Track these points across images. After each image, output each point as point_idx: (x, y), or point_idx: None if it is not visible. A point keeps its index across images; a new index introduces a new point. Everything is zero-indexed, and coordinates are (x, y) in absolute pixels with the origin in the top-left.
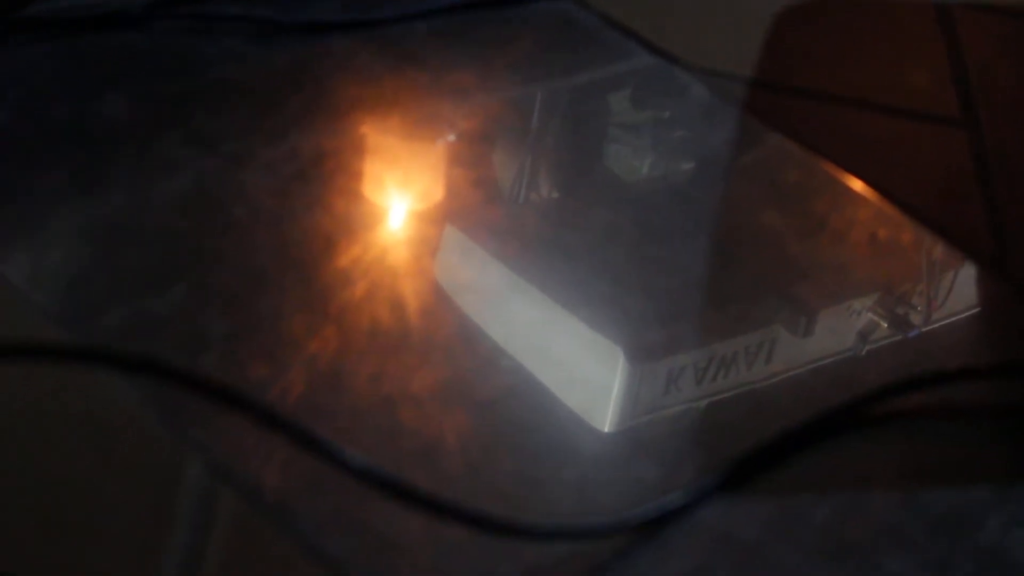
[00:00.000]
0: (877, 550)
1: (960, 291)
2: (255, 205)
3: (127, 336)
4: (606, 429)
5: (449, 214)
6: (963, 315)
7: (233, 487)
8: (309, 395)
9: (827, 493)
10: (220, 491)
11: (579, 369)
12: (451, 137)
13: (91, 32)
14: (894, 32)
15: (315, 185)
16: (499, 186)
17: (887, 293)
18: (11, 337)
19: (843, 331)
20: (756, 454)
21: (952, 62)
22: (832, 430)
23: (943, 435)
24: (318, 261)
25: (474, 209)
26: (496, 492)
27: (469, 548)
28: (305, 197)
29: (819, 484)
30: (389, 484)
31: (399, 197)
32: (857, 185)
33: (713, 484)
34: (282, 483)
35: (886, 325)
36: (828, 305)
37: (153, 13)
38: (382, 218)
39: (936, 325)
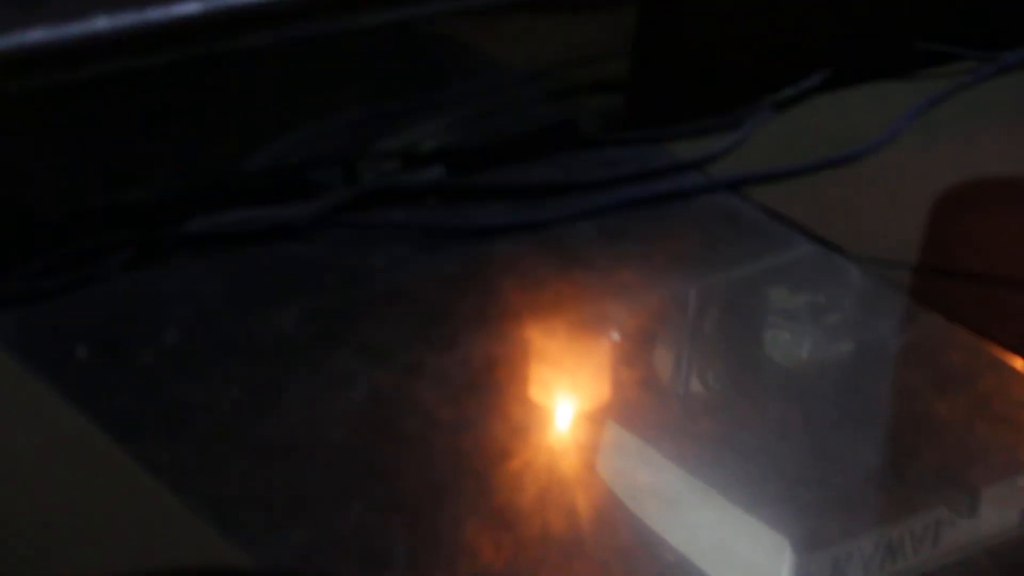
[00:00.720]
0: None
1: None
2: (429, 416)
3: (309, 556)
4: None
5: (618, 415)
6: None
7: None
8: None
9: None
10: None
11: (752, 566)
12: (616, 336)
13: (255, 246)
14: None
15: (487, 392)
16: (666, 384)
17: None
18: (194, 562)
19: (1009, 510)
20: None
21: None
22: None
23: None
24: (493, 469)
25: (642, 409)
26: None
27: None
28: (478, 405)
29: None
30: None
31: (569, 401)
32: (1021, 365)
33: None
34: None
35: None
36: (992, 484)
37: (317, 224)
38: (553, 423)
39: None
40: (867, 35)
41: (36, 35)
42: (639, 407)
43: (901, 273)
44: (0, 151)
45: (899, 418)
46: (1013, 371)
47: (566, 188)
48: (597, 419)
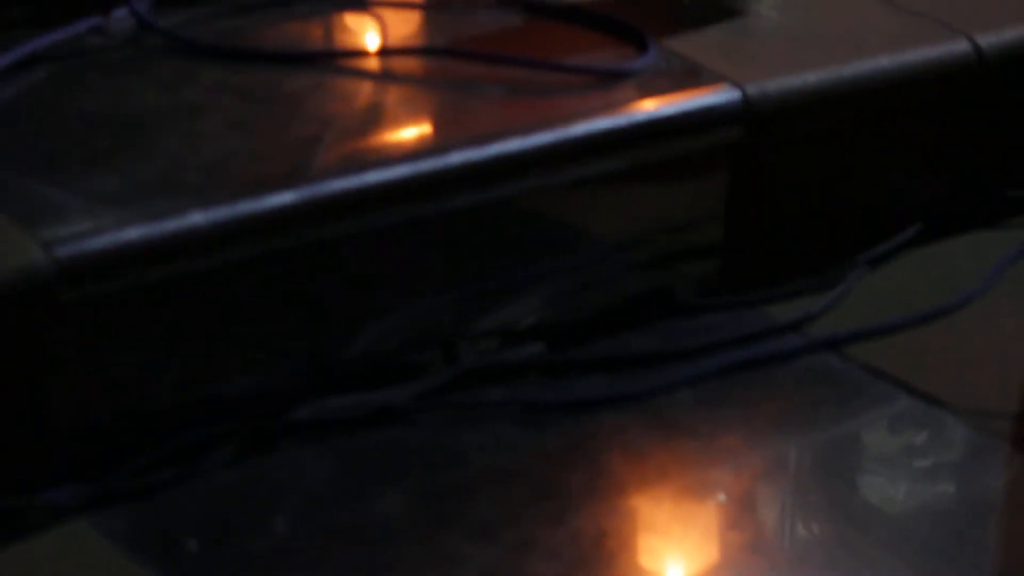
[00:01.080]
0: None
1: None
2: None
3: None
4: None
5: None
6: None
7: None
8: None
9: None
10: None
11: None
12: (722, 499)
13: (360, 430)
14: None
15: (599, 565)
16: (773, 545)
17: None
18: None
19: None
20: None
21: None
22: None
23: None
24: None
25: (751, 572)
26: None
27: None
28: None
29: None
30: None
31: (679, 568)
32: None
33: None
34: None
35: None
36: None
37: (418, 405)
38: None
39: None
40: (956, 187)
41: (133, 233)
42: (748, 570)
43: (1002, 423)
44: (102, 349)
45: (1006, 566)
46: None
47: (664, 357)
48: None
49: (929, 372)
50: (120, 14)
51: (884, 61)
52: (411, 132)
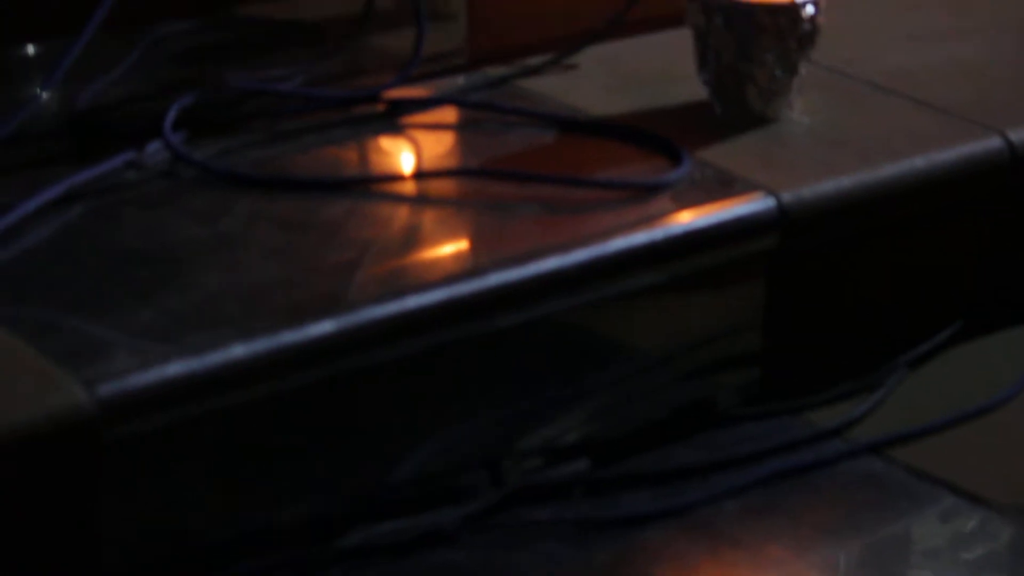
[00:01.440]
0: None
1: None
2: None
3: None
4: None
5: None
6: None
7: None
8: None
9: None
10: None
11: None
12: None
13: (409, 554)
14: None
15: None
16: None
17: None
18: None
19: None
20: None
21: None
22: None
23: None
24: None
25: None
26: None
27: None
28: None
29: None
30: None
31: None
32: None
33: None
34: None
35: None
36: None
37: (466, 527)
38: None
39: None
40: (994, 284)
41: (175, 368)
42: None
43: None
44: (148, 485)
45: None
46: None
47: (708, 468)
48: None
49: (973, 471)
50: (154, 147)
51: (918, 162)
52: (448, 255)
